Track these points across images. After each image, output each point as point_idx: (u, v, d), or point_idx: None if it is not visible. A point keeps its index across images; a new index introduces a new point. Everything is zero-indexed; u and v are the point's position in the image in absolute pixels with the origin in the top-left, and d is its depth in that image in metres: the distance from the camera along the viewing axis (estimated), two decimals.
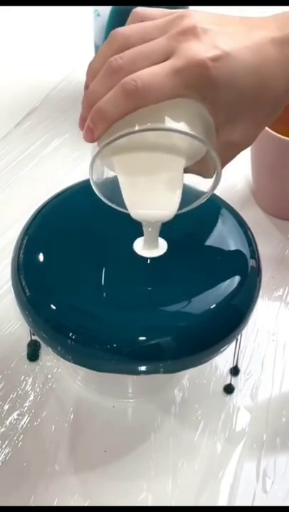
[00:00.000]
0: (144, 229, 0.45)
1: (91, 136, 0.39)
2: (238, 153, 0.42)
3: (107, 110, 0.37)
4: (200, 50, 0.37)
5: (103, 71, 0.39)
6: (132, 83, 0.37)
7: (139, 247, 0.46)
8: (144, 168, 0.42)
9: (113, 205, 0.43)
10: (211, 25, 0.39)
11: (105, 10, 0.67)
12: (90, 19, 0.71)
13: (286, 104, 0.41)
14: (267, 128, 0.58)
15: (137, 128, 0.37)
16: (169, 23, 0.39)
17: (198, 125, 0.38)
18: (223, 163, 0.41)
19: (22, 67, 0.83)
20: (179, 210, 0.43)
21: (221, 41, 0.38)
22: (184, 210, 0.43)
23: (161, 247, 0.46)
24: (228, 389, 0.53)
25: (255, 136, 0.42)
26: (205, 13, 0.40)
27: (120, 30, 0.40)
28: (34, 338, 0.53)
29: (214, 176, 0.40)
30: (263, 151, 0.62)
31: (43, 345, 0.53)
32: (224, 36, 0.38)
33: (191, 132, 0.37)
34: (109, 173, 0.43)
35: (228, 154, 0.41)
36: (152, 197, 0.43)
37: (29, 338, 0.54)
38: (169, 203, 0.42)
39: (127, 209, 0.43)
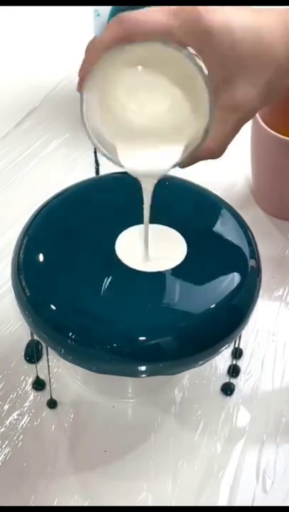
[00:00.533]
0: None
1: (84, 66, 0.39)
2: (239, 121, 0.40)
3: (98, 38, 0.38)
4: (197, 7, 0.38)
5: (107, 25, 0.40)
6: (127, 14, 0.38)
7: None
8: (144, 137, 0.41)
9: (105, 152, 0.41)
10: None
11: (105, 10, 0.67)
12: (90, 19, 0.71)
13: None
14: (266, 128, 0.58)
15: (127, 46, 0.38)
16: None
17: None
18: (227, 134, 0.39)
19: (22, 67, 0.83)
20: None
21: (218, 8, 0.38)
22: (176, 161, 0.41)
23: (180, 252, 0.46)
24: (227, 389, 0.53)
25: (257, 102, 0.40)
26: None
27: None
28: (33, 340, 0.53)
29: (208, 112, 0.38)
30: (263, 150, 0.62)
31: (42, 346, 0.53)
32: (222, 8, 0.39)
33: (183, 49, 0.37)
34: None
35: (229, 120, 0.39)
36: (148, 155, 0.42)
37: (29, 338, 0.54)
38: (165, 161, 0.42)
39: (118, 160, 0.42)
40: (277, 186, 0.64)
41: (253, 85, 0.39)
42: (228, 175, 0.69)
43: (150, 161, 0.42)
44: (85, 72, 0.39)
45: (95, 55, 0.38)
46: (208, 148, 0.40)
